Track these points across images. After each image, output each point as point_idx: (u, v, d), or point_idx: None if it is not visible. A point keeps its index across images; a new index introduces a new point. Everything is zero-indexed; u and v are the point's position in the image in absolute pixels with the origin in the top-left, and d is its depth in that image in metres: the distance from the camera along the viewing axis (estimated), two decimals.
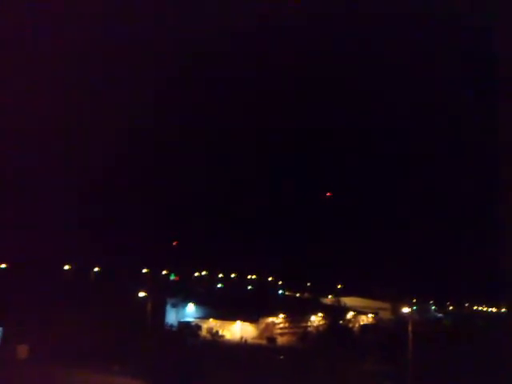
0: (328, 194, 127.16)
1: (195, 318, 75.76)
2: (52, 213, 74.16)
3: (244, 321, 74.72)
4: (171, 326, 67.38)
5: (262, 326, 77.75)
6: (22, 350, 44.92)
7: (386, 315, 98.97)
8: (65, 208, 76.11)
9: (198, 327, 71.68)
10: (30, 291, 56.96)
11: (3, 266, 76.16)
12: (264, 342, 71.37)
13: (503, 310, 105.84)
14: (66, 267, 76.38)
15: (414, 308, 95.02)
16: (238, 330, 73.75)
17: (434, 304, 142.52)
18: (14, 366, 40.76)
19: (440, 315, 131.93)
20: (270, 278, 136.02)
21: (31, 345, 45.41)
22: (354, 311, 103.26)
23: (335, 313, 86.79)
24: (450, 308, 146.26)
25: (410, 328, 43.31)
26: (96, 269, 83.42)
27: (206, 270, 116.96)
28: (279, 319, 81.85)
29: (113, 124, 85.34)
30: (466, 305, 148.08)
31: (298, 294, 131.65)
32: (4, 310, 48.24)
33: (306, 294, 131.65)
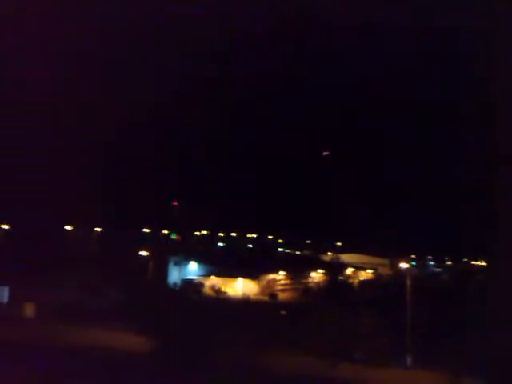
0: (326, 152, 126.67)
1: (198, 275, 76.92)
2: (51, 176, 74.19)
3: (245, 278, 75.97)
4: (174, 283, 68.52)
5: (264, 282, 79.11)
6: (29, 309, 45.88)
7: (384, 271, 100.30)
8: (64, 171, 76.07)
9: (201, 284, 72.86)
10: (33, 252, 57.74)
11: (5, 226, 77.06)
12: (266, 298, 72.80)
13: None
14: (68, 227, 77.21)
15: (413, 263, 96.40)
16: (239, 287, 75.06)
17: (432, 259, 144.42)
18: (22, 323, 41.77)
19: (438, 270, 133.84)
20: (270, 237, 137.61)
21: (38, 304, 46.37)
22: (353, 267, 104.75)
23: (335, 269, 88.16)
24: (449, 263, 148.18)
25: (408, 282, 44.24)
26: (97, 229, 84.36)
27: (207, 230, 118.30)
28: (280, 276, 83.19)
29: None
30: (465, 260, 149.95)
31: (297, 252, 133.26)
32: (10, 270, 49.12)
33: (306, 252, 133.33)
